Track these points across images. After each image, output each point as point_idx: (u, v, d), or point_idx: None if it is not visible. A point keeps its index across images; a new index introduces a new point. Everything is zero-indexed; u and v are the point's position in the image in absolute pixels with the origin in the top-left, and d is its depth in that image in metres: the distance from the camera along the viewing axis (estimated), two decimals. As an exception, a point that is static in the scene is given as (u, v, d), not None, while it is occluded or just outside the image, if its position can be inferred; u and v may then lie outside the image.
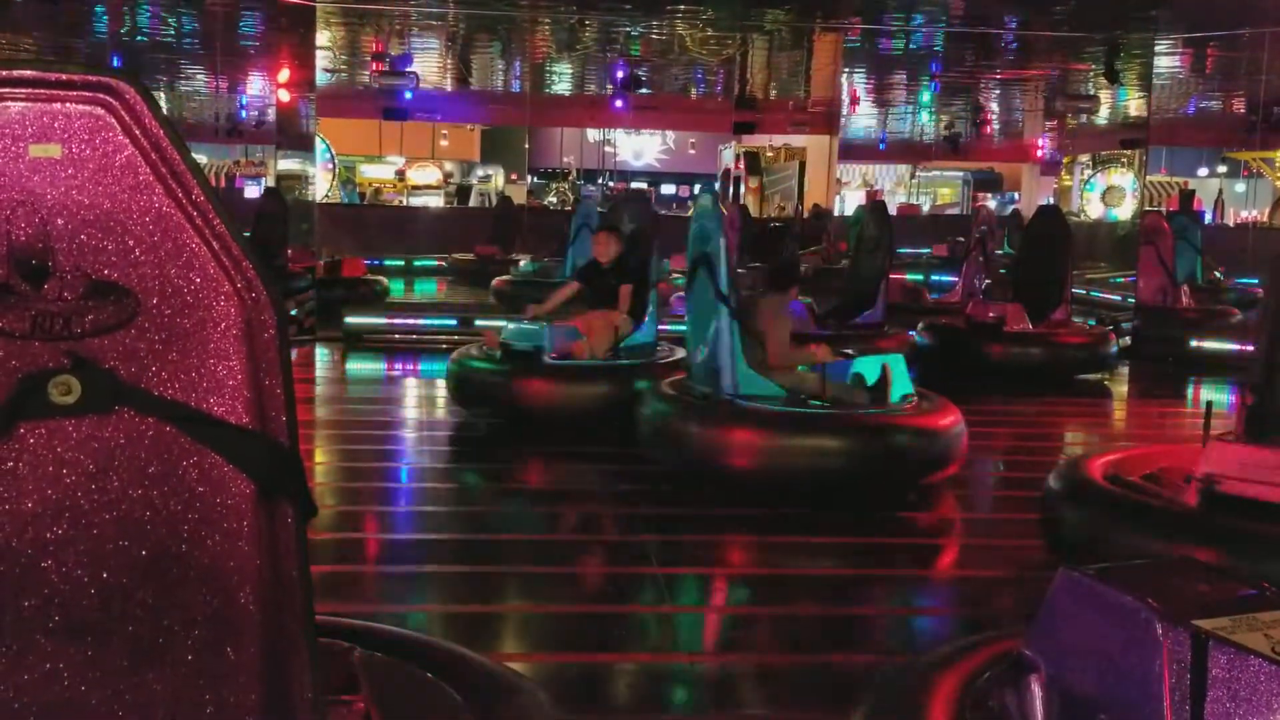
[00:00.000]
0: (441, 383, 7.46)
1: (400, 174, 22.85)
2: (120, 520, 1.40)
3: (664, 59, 13.96)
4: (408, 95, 13.75)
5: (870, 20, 11.59)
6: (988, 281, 11.37)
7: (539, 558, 4.47)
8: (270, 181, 12.46)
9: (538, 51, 14.10)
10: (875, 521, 5.01)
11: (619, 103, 14.59)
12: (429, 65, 14.91)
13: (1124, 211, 18.33)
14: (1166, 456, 4.46)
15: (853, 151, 19.63)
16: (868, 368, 5.45)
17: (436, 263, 16.96)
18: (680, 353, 6.57)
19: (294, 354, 7.57)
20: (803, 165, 19.95)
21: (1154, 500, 3.92)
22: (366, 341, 10.03)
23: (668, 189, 25.16)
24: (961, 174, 23.53)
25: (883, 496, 5.19)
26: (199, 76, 15.80)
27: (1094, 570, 1.89)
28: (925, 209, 21.86)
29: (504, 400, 6.40)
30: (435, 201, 21.93)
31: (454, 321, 10.30)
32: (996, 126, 20.08)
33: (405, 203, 21.76)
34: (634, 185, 23.40)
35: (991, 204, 22.83)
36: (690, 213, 5.96)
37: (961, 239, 14.87)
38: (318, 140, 15.20)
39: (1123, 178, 18.89)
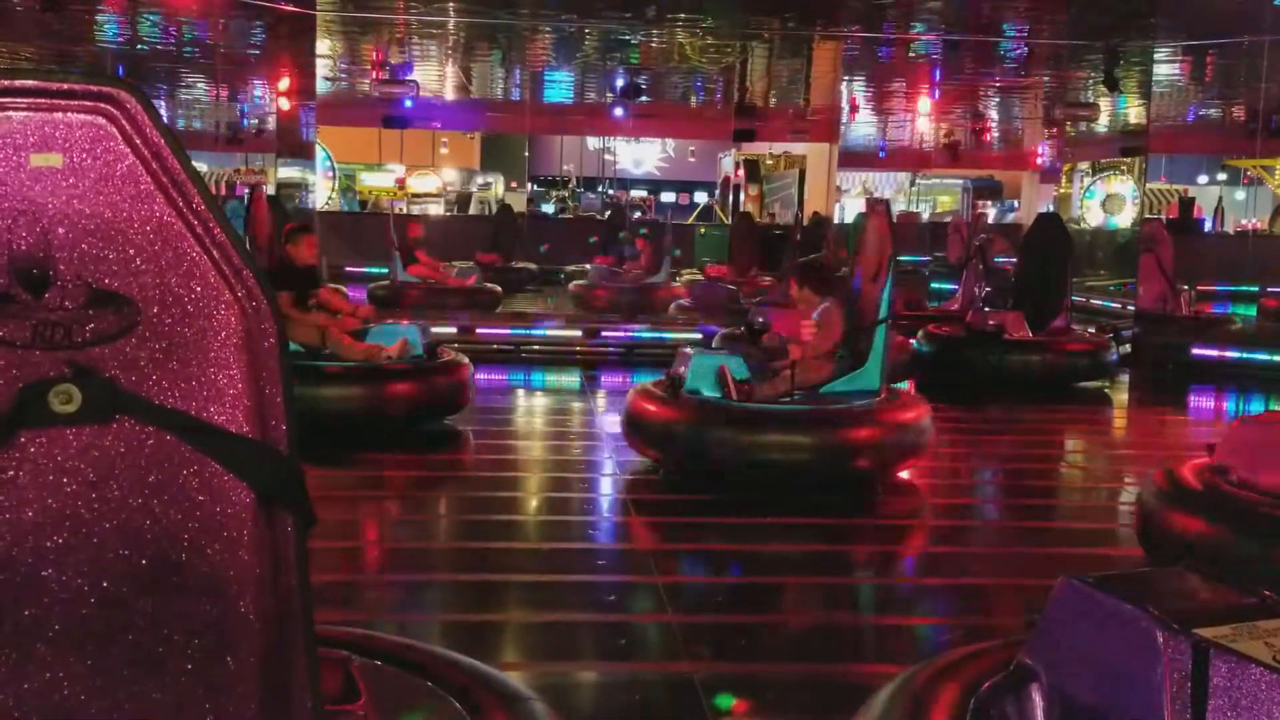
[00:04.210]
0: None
1: (400, 182, 22.85)
2: (120, 529, 1.40)
3: (664, 67, 13.97)
4: (408, 103, 13.77)
5: (870, 28, 11.61)
6: (988, 289, 11.38)
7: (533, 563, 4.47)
8: (270, 189, 12.46)
9: (537, 60, 14.12)
10: (872, 527, 5.01)
11: (619, 110, 14.60)
12: (429, 73, 14.93)
13: (1124, 219, 18.32)
14: None
15: (852, 159, 19.61)
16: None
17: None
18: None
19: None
20: (802, 173, 19.96)
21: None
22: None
23: (668, 197, 25.19)
24: (961, 181, 23.52)
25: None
26: (200, 85, 15.82)
27: (1094, 579, 1.89)
28: (925, 216, 21.84)
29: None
30: (435, 209, 21.95)
31: (453, 329, 10.29)
32: (996, 134, 20.09)
33: (406, 210, 21.78)
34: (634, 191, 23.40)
35: (991, 212, 22.82)
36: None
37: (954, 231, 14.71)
38: (318, 148, 15.22)
39: (1122, 185, 18.88)
